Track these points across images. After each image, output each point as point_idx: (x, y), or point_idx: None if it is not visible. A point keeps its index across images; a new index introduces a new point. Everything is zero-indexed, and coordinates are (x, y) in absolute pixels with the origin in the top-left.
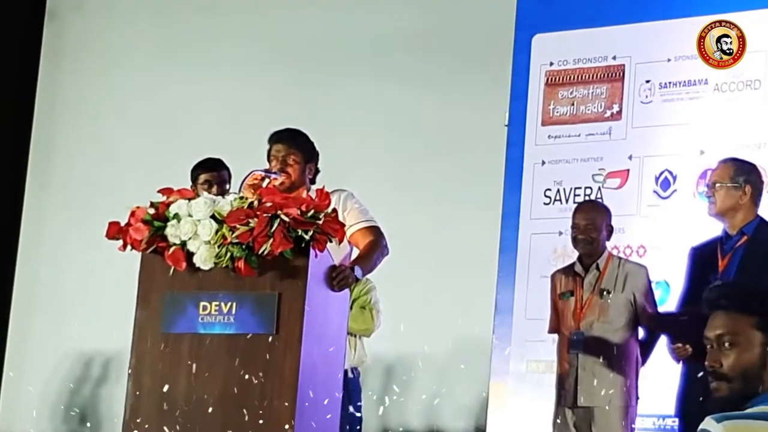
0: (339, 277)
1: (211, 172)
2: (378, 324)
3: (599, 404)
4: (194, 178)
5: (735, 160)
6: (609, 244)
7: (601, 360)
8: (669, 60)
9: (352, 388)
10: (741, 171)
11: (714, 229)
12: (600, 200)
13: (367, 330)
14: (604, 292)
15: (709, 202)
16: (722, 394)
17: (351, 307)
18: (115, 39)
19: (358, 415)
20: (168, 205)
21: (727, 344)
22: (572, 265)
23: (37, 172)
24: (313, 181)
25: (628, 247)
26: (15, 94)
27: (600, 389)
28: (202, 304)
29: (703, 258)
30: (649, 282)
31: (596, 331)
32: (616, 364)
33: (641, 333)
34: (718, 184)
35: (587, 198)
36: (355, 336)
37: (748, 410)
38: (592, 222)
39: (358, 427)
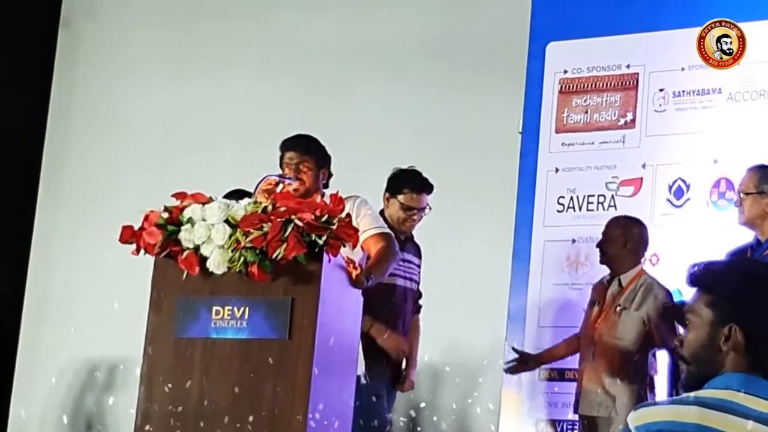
0: (357, 270)
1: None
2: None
3: (601, 414)
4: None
5: (760, 168)
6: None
7: (605, 372)
8: (683, 69)
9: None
10: (766, 178)
11: (728, 237)
12: (633, 216)
13: None
14: (618, 308)
15: (738, 211)
16: (684, 376)
17: None
18: (129, 45)
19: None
20: (182, 209)
21: (688, 324)
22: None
23: (50, 176)
24: (326, 186)
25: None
26: (29, 100)
27: (601, 400)
28: (214, 308)
29: None
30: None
31: (605, 343)
32: (621, 377)
33: (666, 358)
34: (743, 194)
35: (600, 205)
36: None
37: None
38: (607, 236)
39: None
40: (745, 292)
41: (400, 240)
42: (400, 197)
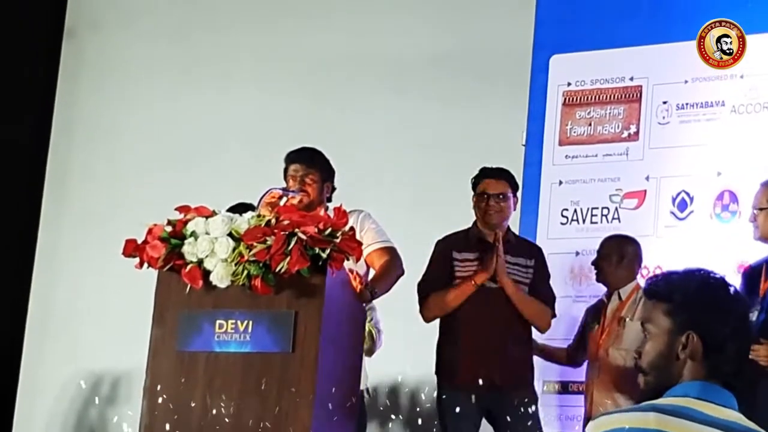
0: (361, 285)
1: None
2: (379, 344)
3: None
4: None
5: None
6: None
7: (614, 386)
8: (686, 81)
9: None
10: None
11: (732, 249)
12: (630, 235)
13: (367, 350)
14: (620, 320)
15: (753, 226)
16: (642, 388)
17: None
18: (133, 57)
19: None
20: (185, 222)
21: (646, 334)
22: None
23: (54, 188)
24: (329, 200)
25: (645, 267)
26: (33, 112)
27: None
28: (218, 322)
29: (751, 279)
30: None
31: (611, 357)
32: (630, 388)
33: None
34: (757, 209)
35: (604, 218)
36: None
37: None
38: (602, 254)
39: None
40: (702, 300)
41: (486, 242)
42: (477, 189)
